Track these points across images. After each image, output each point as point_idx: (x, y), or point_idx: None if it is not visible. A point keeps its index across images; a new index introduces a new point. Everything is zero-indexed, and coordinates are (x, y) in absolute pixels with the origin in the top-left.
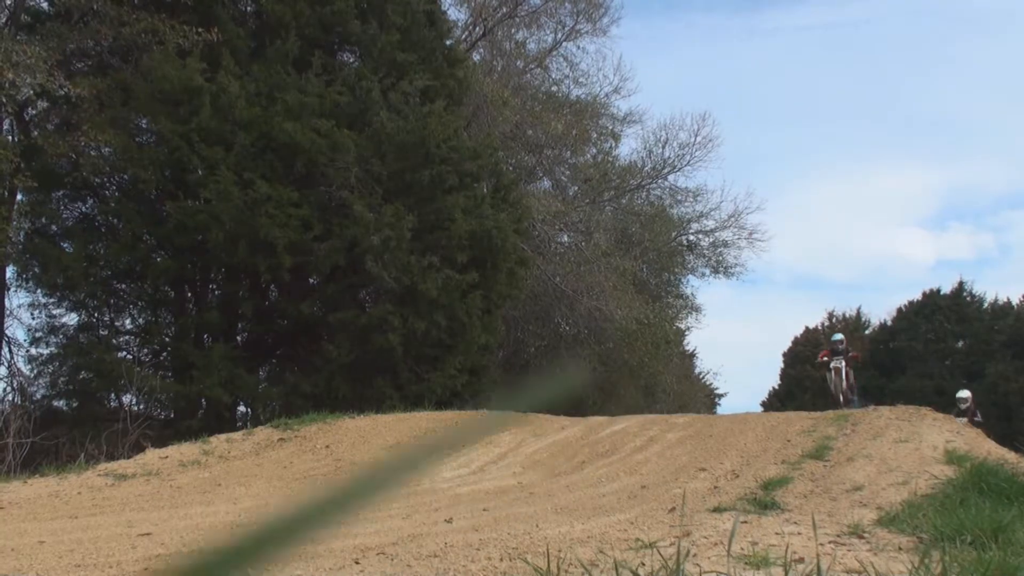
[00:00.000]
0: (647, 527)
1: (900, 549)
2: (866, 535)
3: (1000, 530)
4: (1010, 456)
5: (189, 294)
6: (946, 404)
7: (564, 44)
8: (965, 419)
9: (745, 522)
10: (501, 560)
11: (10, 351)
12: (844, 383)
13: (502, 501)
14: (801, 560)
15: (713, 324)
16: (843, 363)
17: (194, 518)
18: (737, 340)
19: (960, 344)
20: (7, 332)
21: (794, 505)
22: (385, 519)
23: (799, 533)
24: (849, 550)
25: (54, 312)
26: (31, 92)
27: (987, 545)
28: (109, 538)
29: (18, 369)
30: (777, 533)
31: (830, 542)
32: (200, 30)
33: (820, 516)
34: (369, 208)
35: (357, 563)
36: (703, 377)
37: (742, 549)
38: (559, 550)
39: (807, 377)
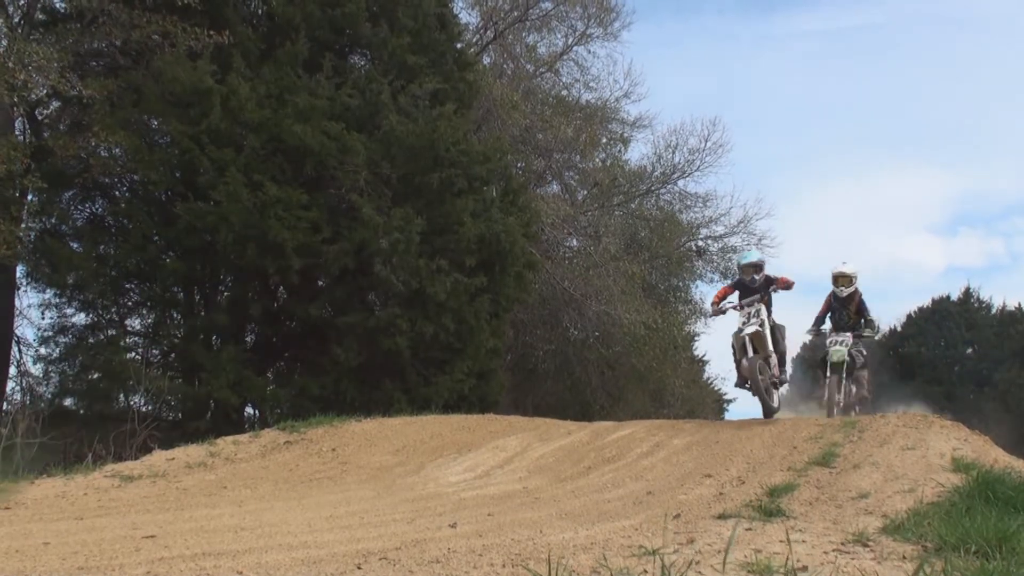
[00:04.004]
0: (651, 534)
1: (904, 558)
2: (871, 543)
3: (1005, 539)
4: (1018, 464)
5: (198, 295)
6: (957, 409)
7: (575, 48)
8: (845, 337)
9: (749, 529)
10: (504, 567)
11: (19, 350)
12: (767, 371)
13: (507, 506)
14: (804, 568)
15: (722, 329)
16: (760, 313)
17: (199, 520)
18: None
19: (969, 351)
20: (16, 332)
21: (799, 512)
22: (389, 523)
23: (804, 541)
24: (853, 558)
25: (64, 312)
26: (44, 92)
27: (992, 554)
28: (113, 540)
29: (27, 369)
30: (781, 541)
31: (834, 550)
32: (211, 32)
33: (825, 524)
34: (378, 211)
35: (359, 568)
36: (712, 382)
37: (745, 557)
38: (562, 556)
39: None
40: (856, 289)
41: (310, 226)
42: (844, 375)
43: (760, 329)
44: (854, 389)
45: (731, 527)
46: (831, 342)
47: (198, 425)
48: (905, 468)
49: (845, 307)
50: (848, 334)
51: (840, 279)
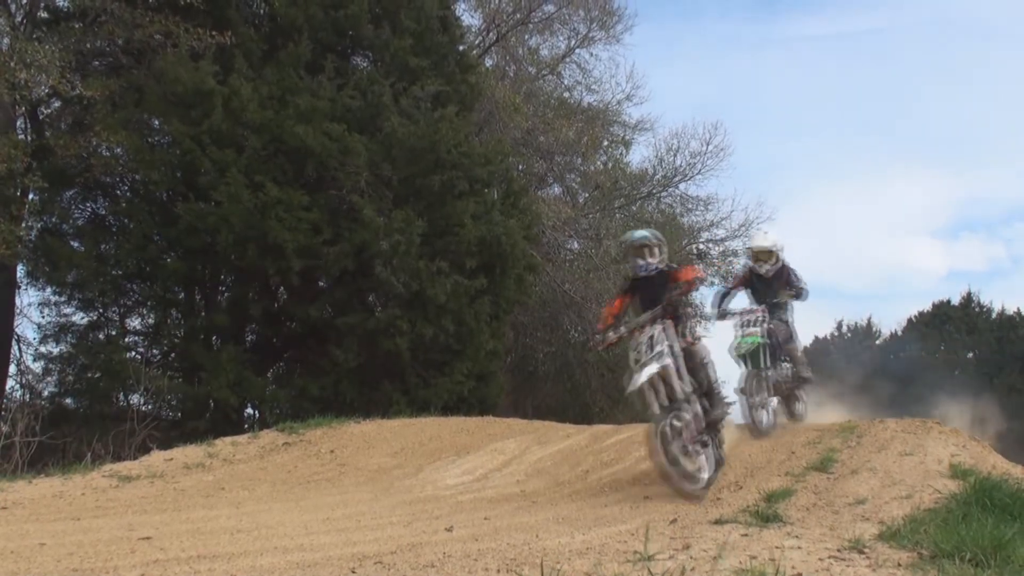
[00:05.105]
0: (647, 539)
1: (899, 565)
2: (866, 550)
3: (1000, 547)
4: (1015, 471)
5: (199, 296)
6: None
7: (577, 51)
8: (756, 314)
9: (745, 535)
10: (498, 571)
11: (19, 349)
12: (681, 429)
13: (504, 510)
14: (799, 575)
15: (722, 333)
16: (659, 339)
17: (195, 522)
18: None
19: (970, 355)
20: (17, 330)
21: (796, 518)
22: (386, 526)
23: (799, 547)
24: (848, 565)
25: (64, 311)
26: (44, 91)
27: (986, 562)
28: (109, 541)
29: (27, 367)
30: (777, 547)
31: (830, 556)
32: (213, 33)
33: (822, 530)
34: (379, 213)
35: (354, 572)
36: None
37: (740, 563)
38: (557, 562)
39: None
40: (782, 264)
41: (311, 227)
42: (767, 363)
43: (664, 365)
44: (787, 373)
45: (728, 532)
46: (740, 323)
47: (197, 425)
48: (903, 474)
49: (770, 287)
50: (760, 307)
51: (761, 255)
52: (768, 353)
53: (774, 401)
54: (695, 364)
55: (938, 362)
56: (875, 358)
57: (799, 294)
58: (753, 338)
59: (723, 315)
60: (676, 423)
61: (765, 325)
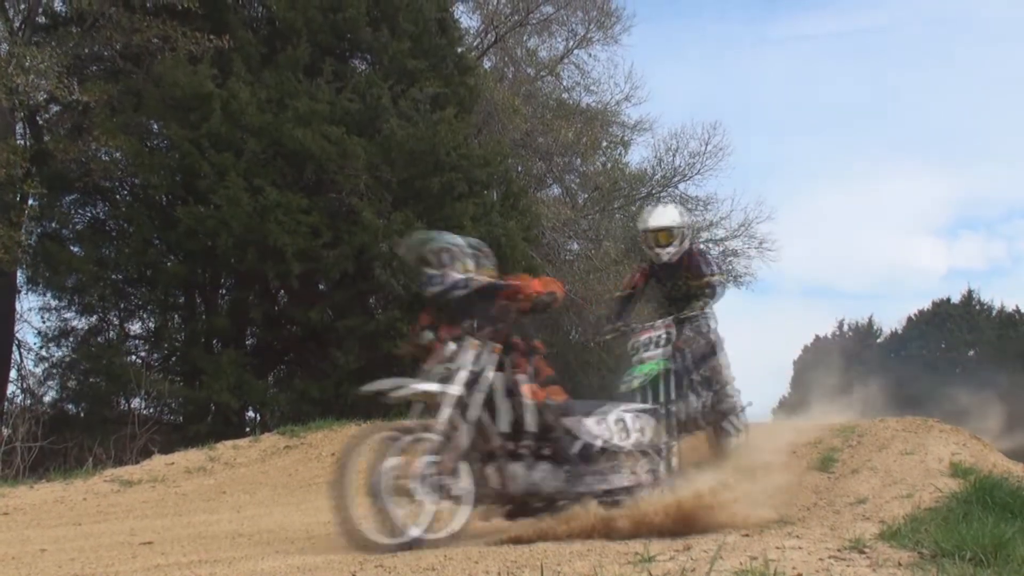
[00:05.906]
0: (648, 540)
1: (900, 565)
2: (867, 550)
3: (1001, 546)
4: (1016, 469)
5: (199, 299)
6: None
7: (576, 52)
8: (659, 333)
9: (746, 535)
10: (499, 574)
11: (20, 354)
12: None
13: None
14: (799, 575)
15: (722, 333)
16: (467, 354)
17: (197, 526)
18: (746, 348)
19: (971, 353)
20: (17, 335)
21: (796, 518)
22: None
23: (800, 547)
24: (848, 565)
25: (65, 316)
26: (43, 96)
27: (986, 561)
28: (111, 546)
29: (28, 372)
30: (777, 547)
31: (830, 557)
32: (212, 37)
33: (823, 530)
34: (378, 215)
35: (354, 575)
36: None
37: (740, 564)
38: (557, 564)
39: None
40: (689, 247)
41: (310, 230)
42: (673, 395)
43: (444, 392)
44: (706, 400)
45: (728, 533)
46: (633, 347)
47: (198, 429)
48: (903, 473)
49: (673, 277)
50: (662, 323)
51: (656, 236)
52: (673, 382)
53: (678, 445)
54: (520, 405)
55: (942, 360)
56: (876, 357)
57: (713, 293)
58: (651, 364)
59: (619, 331)
60: (427, 444)
61: (670, 343)
